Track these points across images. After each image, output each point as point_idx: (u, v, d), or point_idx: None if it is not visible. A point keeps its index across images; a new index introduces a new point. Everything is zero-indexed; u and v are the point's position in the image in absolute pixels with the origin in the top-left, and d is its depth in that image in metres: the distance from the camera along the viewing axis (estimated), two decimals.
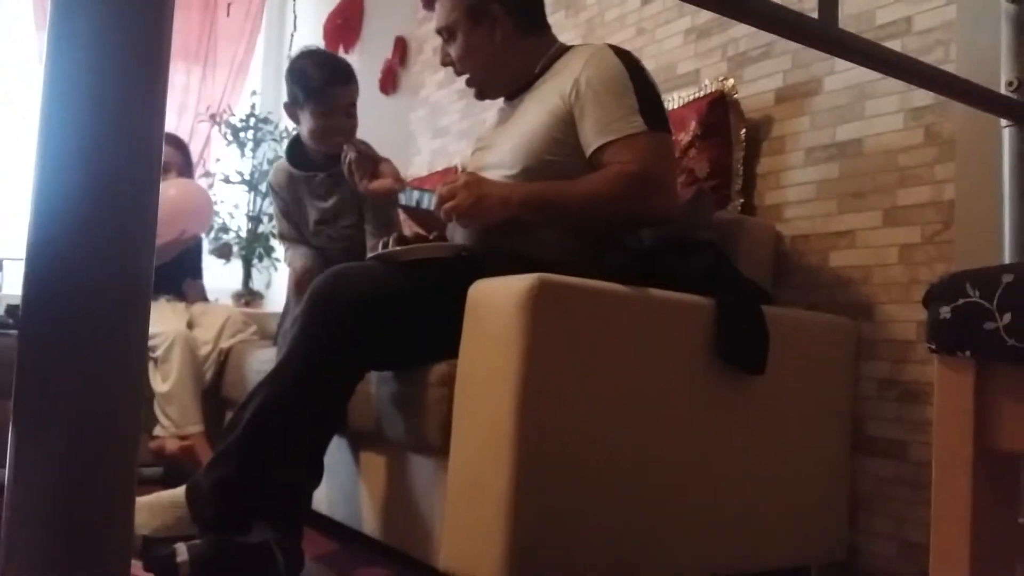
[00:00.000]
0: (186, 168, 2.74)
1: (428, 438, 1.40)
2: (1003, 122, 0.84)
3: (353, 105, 2.08)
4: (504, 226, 1.50)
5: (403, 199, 1.69)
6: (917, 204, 1.60)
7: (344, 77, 2.04)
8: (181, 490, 1.44)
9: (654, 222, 1.56)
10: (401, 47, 3.54)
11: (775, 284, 1.78)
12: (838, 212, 1.73)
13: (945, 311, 0.69)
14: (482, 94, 1.75)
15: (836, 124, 1.75)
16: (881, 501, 1.62)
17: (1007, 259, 0.89)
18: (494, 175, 1.58)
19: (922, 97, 1.60)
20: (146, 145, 0.41)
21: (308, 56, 2.06)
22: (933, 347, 0.70)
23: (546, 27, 1.71)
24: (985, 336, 0.65)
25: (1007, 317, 0.64)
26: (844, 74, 1.74)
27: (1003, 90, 0.83)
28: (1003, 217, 0.87)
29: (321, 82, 1.99)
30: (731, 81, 1.87)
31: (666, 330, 1.39)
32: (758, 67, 1.93)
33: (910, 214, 1.61)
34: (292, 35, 3.90)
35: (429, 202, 1.58)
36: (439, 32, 1.71)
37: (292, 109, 2.08)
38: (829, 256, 1.74)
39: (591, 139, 1.51)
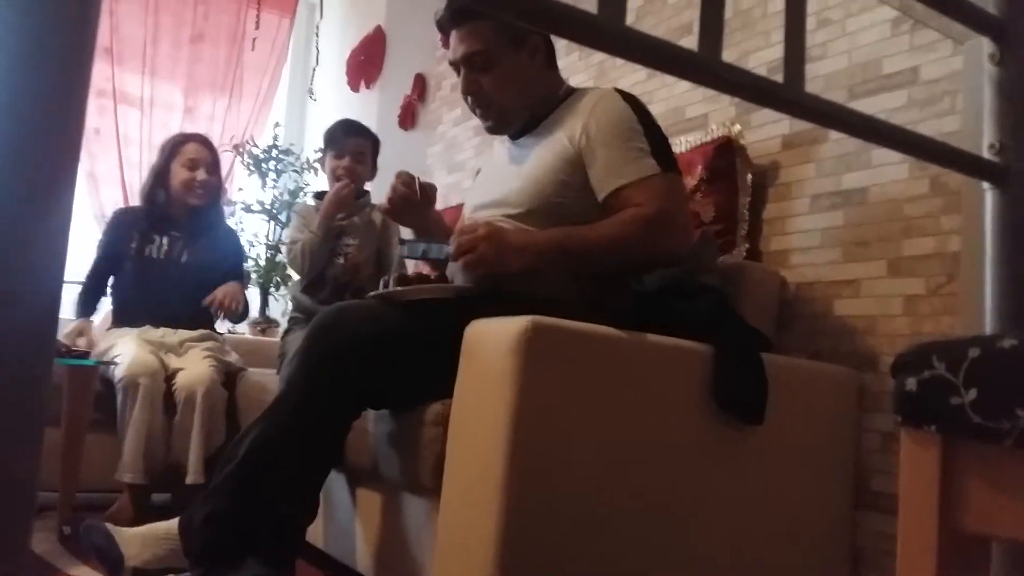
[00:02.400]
0: (214, 168, 2.73)
1: (421, 478, 1.40)
2: (985, 185, 0.84)
3: (362, 153, 2.53)
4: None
5: (406, 251, 1.66)
6: (922, 255, 1.59)
7: (355, 129, 2.55)
8: (174, 522, 1.45)
9: (668, 262, 1.55)
10: (420, 84, 3.59)
11: (778, 331, 1.77)
12: (843, 260, 1.72)
13: (911, 383, 0.68)
14: (501, 127, 1.72)
15: (842, 172, 1.75)
16: (883, 558, 1.59)
17: (987, 326, 0.88)
18: (497, 213, 1.59)
19: None
20: (61, 147, 0.41)
21: (336, 122, 2.60)
22: (899, 419, 0.69)
23: (557, 66, 1.74)
24: (951, 411, 0.64)
25: (972, 393, 0.63)
26: None
27: (985, 153, 0.83)
28: (985, 275, 0.86)
29: (336, 131, 2.53)
30: (738, 127, 1.88)
31: (663, 376, 1.39)
32: (765, 113, 1.94)
33: (915, 265, 1.60)
34: (314, 69, 3.96)
35: (438, 253, 1.57)
36: (467, 59, 1.64)
37: (322, 161, 2.61)
38: (833, 304, 1.73)
39: (604, 182, 1.52)
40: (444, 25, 1.69)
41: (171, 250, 2.64)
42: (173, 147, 2.69)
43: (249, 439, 1.39)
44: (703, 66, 0.53)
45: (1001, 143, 0.83)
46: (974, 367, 0.63)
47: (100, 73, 3.75)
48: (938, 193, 1.58)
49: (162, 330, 2.51)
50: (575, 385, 1.29)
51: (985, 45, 0.86)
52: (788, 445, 1.54)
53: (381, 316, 1.44)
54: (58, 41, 0.40)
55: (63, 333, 2.45)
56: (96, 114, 3.75)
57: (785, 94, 0.58)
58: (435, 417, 1.40)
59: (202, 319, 2.60)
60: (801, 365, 1.65)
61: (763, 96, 0.58)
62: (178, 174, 2.64)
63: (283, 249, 3.79)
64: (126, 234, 2.64)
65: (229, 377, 2.45)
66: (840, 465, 1.63)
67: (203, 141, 2.77)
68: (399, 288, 1.49)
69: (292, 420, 1.38)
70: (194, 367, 2.34)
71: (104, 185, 3.71)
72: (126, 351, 2.30)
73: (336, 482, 1.70)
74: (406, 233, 1.88)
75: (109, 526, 1.45)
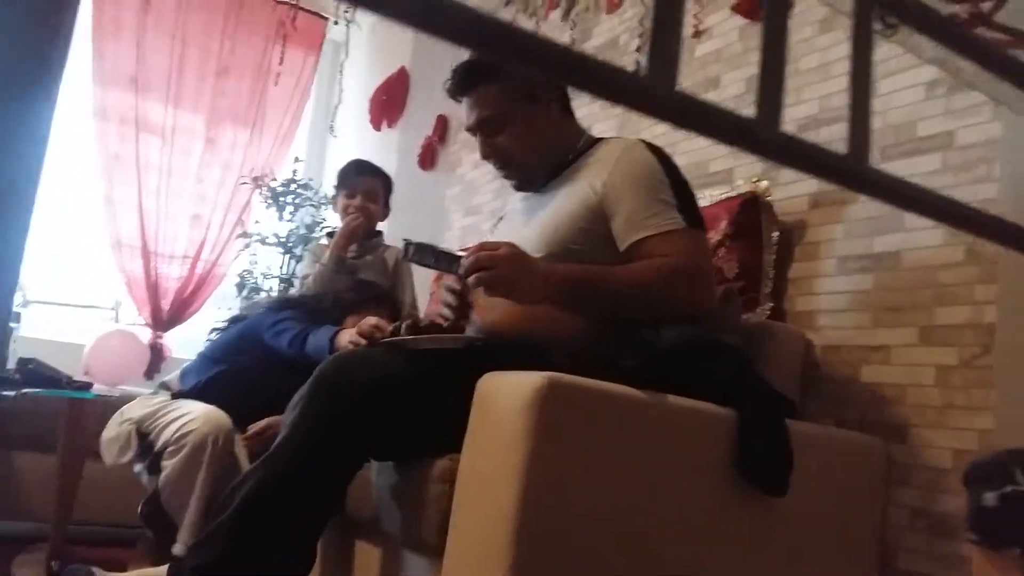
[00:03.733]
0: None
1: (424, 536, 1.33)
2: None
3: (374, 192, 2.51)
4: (525, 312, 1.45)
5: (412, 255, 1.46)
6: (955, 324, 1.53)
7: (367, 169, 2.55)
8: (163, 570, 1.38)
9: (692, 317, 1.49)
10: (442, 125, 3.58)
11: (802, 395, 1.70)
12: (872, 326, 1.66)
13: (990, 498, 0.60)
14: (526, 183, 1.70)
15: (873, 235, 1.69)
16: None
17: None
18: None
19: None
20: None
21: (349, 161, 2.59)
22: (974, 538, 0.62)
23: (574, 115, 1.71)
24: None
25: None
26: None
27: None
28: None
29: (348, 170, 2.54)
30: (765, 182, 1.84)
31: (683, 440, 1.32)
32: (793, 170, 1.89)
33: (948, 334, 1.53)
34: (337, 107, 3.98)
35: (449, 266, 1.44)
36: (481, 124, 1.63)
37: (334, 200, 2.59)
38: (861, 371, 1.66)
39: (627, 232, 1.47)
40: (454, 94, 1.68)
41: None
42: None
43: (246, 487, 1.33)
44: (760, 137, 0.47)
45: None
46: None
47: (123, 101, 3.78)
48: (974, 261, 1.52)
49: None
50: (590, 447, 1.22)
51: None
52: (810, 518, 1.46)
53: (389, 364, 1.38)
54: (22, 55, 0.36)
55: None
56: (118, 140, 3.76)
57: (848, 167, 0.52)
58: (442, 473, 1.33)
59: None
60: (826, 433, 1.58)
61: (823, 170, 0.52)
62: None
63: (296, 284, 3.76)
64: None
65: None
66: (865, 541, 1.54)
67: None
68: (408, 336, 1.43)
69: (290, 470, 1.32)
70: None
71: (121, 210, 3.70)
72: (194, 408, 1.94)
73: (334, 533, 1.63)
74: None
75: (95, 570, 1.39)
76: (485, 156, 1.68)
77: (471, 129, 1.67)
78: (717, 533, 1.34)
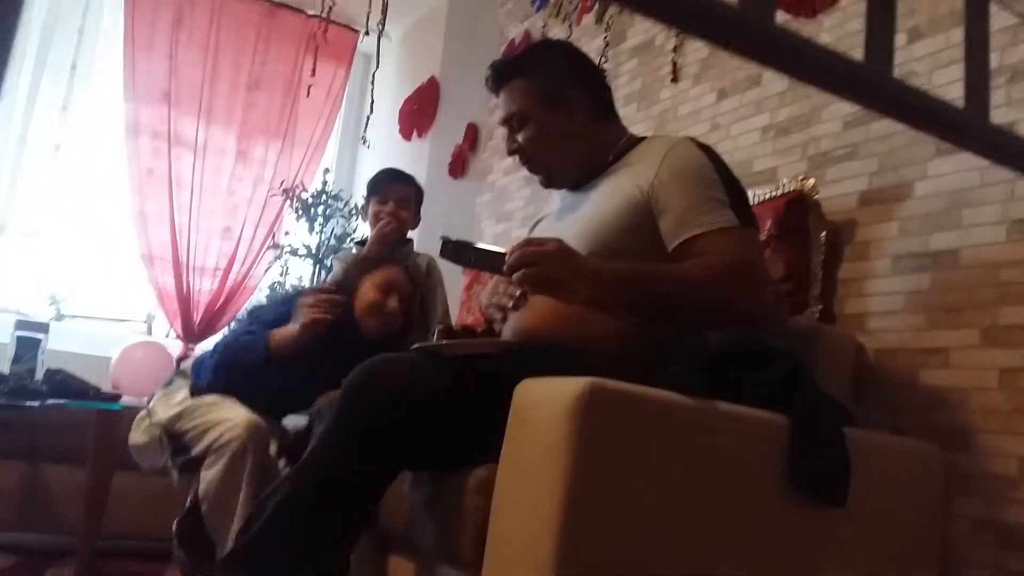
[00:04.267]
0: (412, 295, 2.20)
1: (460, 551, 1.27)
2: None
3: (406, 199, 2.48)
4: (564, 315, 1.39)
5: (450, 253, 1.39)
6: (1021, 324, 1.44)
7: (399, 176, 2.52)
8: None
9: (745, 321, 1.41)
10: (472, 133, 3.55)
11: (855, 401, 1.62)
12: (928, 327, 1.58)
13: None
14: (550, 182, 1.67)
15: (929, 232, 1.61)
16: None
17: None
18: None
19: None
20: None
21: (380, 169, 2.57)
22: None
23: (616, 116, 1.65)
24: None
25: None
26: (938, 179, 1.61)
27: None
28: None
29: (380, 178, 2.52)
30: (811, 181, 1.76)
31: (733, 449, 1.25)
32: (841, 168, 1.82)
33: (1014, 335, 1.45)
34: (368, 117, 3.96)
35: (490, 264, 1.36)
36: (507, 120, 1.63)
37: (365, 208, 2.55)
38: (918, 375, 1.58)
39: (677, 230, 1.40)
40: (490, 88, 1.67)
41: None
42: (368, 265, 2.16)
43: (274, 501, 1.28)
44: (869, 82, 0.41)
45: None
46: None
47: (157, 115, 3.79)
48: None
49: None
50: (635, 456, 1.16)
51: None
52: (867, 529, 1.38)
53: (422, 371, 1.33)
54: None
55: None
56: (151, 155, 3.77)
57: (969, 122, 0.45)
58: (478, 484, 1.27)
59: None
60: (883, 440, 1.49)
61: (938, 125, 0.46)
62: (369, 294, 2.05)
63: None
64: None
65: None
66: (926, 553, 1.45)
67: (402, 266, 2.19)
68: (443, 342, 1.38)
69: (322, 482, 1.27)
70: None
71: (154, 225, 3.71)
72: (231, 415, 1.89)
73: (367, 546, 1.57)
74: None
75: None
76: (509, 152, 1.65)
77: (500, 123, 1.66)
78: (770, 546, 1.27)
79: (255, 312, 2.22)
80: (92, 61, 3.90)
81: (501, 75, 1.63)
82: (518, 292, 1.42)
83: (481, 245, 1.40)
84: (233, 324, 2.27)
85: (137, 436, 1.97)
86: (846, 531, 1.34)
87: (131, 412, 2.05)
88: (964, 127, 0.45)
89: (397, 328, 2.06)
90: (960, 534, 1.47)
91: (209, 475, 1.79)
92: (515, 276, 1.27)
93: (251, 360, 1.92)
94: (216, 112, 3.95)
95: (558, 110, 1.57)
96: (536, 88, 1.58)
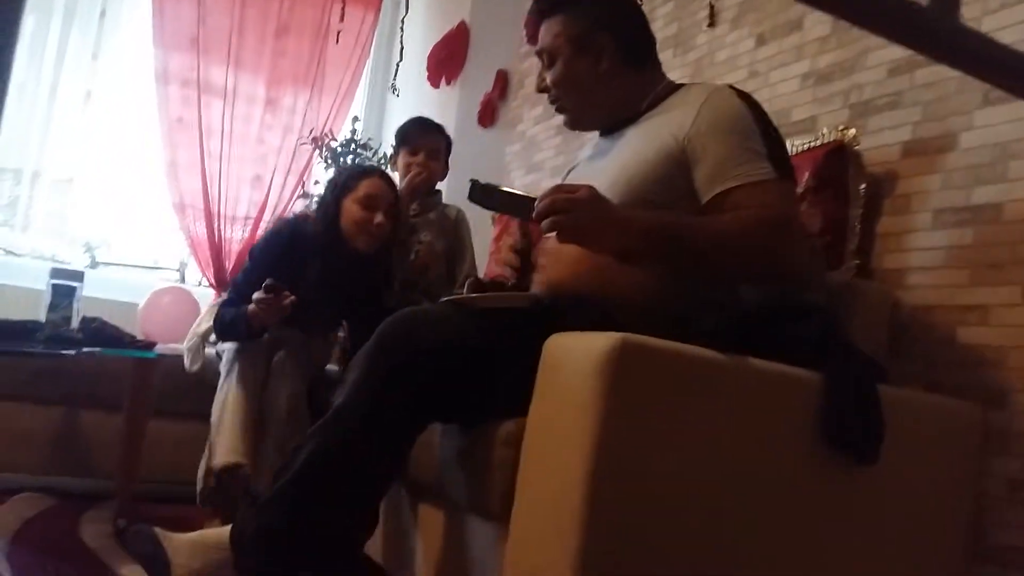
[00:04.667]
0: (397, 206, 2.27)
1: (489, 502, 1.28)
2: None
3: (437, 150, 2.46)
4: (593, 269, 1.37)
5: (479, 196, 1.36)
6: None
7: (429, 127, 2.49)
8: (226, 531, 1.37)
9: (783, 278, 1.37)
10: (502, 80, 3.49)
11: (891, 358, 1.59)
12: (970, 284, 1.53)
13: None
14: (575, 124, 1.63)
15: (972, 185, 1.56)
16: None
17: None
18: None
19: None
20: None
21: (409, 119, 2.54)
22: None
23: (655, 63, 1.60)
24: None
25: None
26: (984, 130, 1.55)
27: None
28: None
29: (409, 128, 2.49)
30: (852, 131, 1.70)
31: (765, 406, 1.23)
32: (884, 117, 1.75)
33: None
34: (398, 64, 3.91)
35: (518, 210, 1.33)
36: (539, 54, 1.61)
37: (394, 159, 2.54)
38: (956, 332, 1.54)
39: (712, 182, 1.36)
40: (534, 16, 1.63)
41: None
42: (347, 182, 2.19)
43: (307, 449, 1.29)
44: (929, 27, 0.38)
45: None
46: None
47: (186, 63, 3.77)
48: None
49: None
50: (666, 412, 1.15)
51: None
52: (899, 487, 1.36)
53: (452, 324, 1.32)
54: None
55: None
56: (180, 103, 3.76)
57: (930, 23, 0.41)
58: (507, 437, 1.27)
59: None
60: (917, 398, 1.47)
61: (897, 27, 0.42)
62: (353, 212, 2.13)
63: None
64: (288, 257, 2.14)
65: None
66: (959, 513, 1.44)
67: (387, 179, 2.22)
68: (473, 295, 1.37)
69: (352, 432, 1.28)
70: (294, 383, 1.99)
71: (184, 174, 3.72)
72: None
73: (398, 496, 1.59)
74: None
75: (158, 531, 1.38)
76: (538, 87, 1.63)
77: (537, 53, 1.63)
78: (802, 503, 1.26)
79: (237, 281, 2.21)
80: (121, 8, 3.88)
81: (541, 6, 1.60)
82: (517, 263, 1.41)
83: (511, 189, 1.37)
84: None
85: (187, 341, 2.34)
86: (878, 488, 1.33)
87: (166, 359, 2.08)
88: (926, 31, 0.41)
89: (387, 238, 2.17)
90: (996, 494, 1.45)
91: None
92: (543, 224, 1.24)
93: (238, 335, 2.03)
94: (245, 59, 3.92)
95: (586, 53, 1.53)
96: (569, 27, 1.54)
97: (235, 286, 2.19)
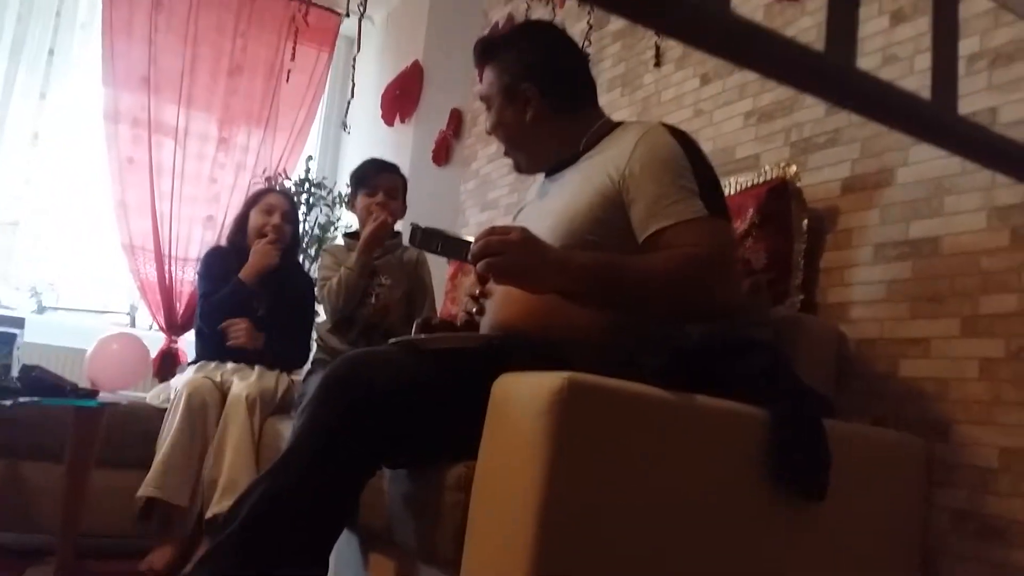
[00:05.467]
0: (293, 215, 2.76)
1: (439, 548, 1.26)
2: None
3: (395, 189, 2.47)
4: (541, 308, 1.38)
5: (419, 240, 1.40)
6: (1002, 313, 1.43)
7: (385, 167, 2.50)
8: None
9: (715, 314, 1.39)
10: (456, 119, 3.52)
11: (836, 392, 1.61)
12: (910, 316, 1.57)
13: None
14: (518, 167, 1.68)
15: (910, 219, 1.60)
16: None
17: None
18: None
19: (1009, 195, 1.45)
20: None
21: (364, 160, 2.57)
22: None
23: (589, 104, 1.61)
24: None
25: None
26: (919, 166, 1.60)
27: None
28: None
29: (366, 168, 2.49)
30: (794, 168, 1.74)
31: (712, 443, 1.24)
32: (824, 154, 1.80)
33: (994, 324, 1.44)
34: (349, 102, 3.91)
35: (456, 252, 1.38)
36: (481, 99, 1.66)
37: (352, 201, 2.53)
38: (899, 364, 1.57)
39: (646, 222, 1.38)
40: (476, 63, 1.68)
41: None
42: (255, 197, 2.75)
43: (255, 495, 1.26)
44: (831, 73, 0.39)
45: None
46: None
47: (136, 102, 3.73)
48: (1021, 246, 1.43)
49: (234, 365, 2.47)
50: (615, 452, 1.15)
51: None
52: (848, 521, 1.37)
53: (401, 366, 1.31)
54: None
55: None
56: (131, 143, 3.71)
57: (933, 114, 0.43)
58: (457, 481, 1.26)
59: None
60: (863, 432, 1.49)
61: (903, 118, 0.44)
62: (254, 219, 2.66)
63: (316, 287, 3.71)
64: (224, 273, 2.59)
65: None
66: (906, 545, 1.46)
67: (283, 193, 2.83)
68: (422, 336, 1.36)
69: (299, 479, 1.25)
70: (253, 381, 2.32)
71: (134, 215, 3.66)
72: (184, 377, 2.36)
73: (349, 543, 1.56)
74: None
75: None
76: (487, 130, 1.67)
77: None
78: (751, 540, 1.26)
79: (203, 285, 2.65)
80: (70, 47, 3.83)
81: (478, 54, 1.64)
82: (477, 291, 1.42)
83: (452, 232, 1.38)
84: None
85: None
86: (826, 523, 1.34)
87: (109, 408, 2.03)
88: (930, 120, 0.43)
89: (287, 244, 2.65)
90: (942, 526, 1.47)
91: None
92: (479, 265, 1.25)
93: (240, 298, 2.48)
94: (197, 98, 3.89)
95: (512, 102, 1.57)
96: (500, 76, 1.59)
97: (204, 284, 2.62)
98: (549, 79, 1.57)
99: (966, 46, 1.58)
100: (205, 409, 2.20)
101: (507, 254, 1.25)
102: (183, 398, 2.19)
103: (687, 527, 1.20)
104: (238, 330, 2.46)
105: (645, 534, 1.16)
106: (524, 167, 1.67)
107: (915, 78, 1.67)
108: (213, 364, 2.47)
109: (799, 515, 1.30)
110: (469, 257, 1.27)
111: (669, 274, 1.32)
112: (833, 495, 1.29)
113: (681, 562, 1.19)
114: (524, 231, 1.28)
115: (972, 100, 1.55)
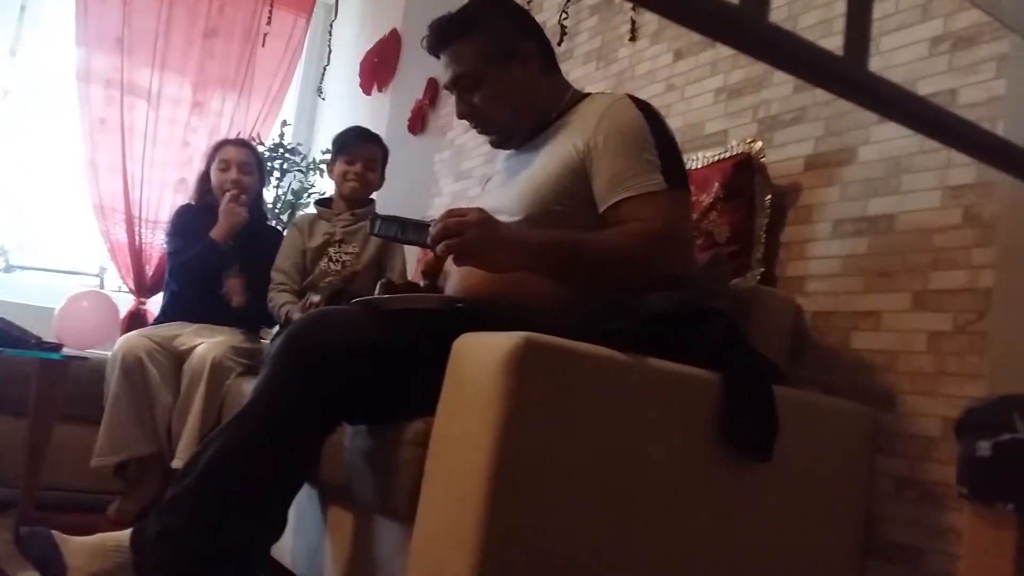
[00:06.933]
0: (248, 168, 2.70)
1: (396, 502, 1.29)
2: None
3: (374, 160, 2.48)
4: (506, 276, 1.40)
5: (378, 228, 1.47)
6: (950, 289, 1.48)
7: (368, 136, 2.50)
8: (126, 534, 1.34)
9: (671, 283, 1.44)
10: (433, 88, 3.51)
11: (791, 362, 1.66)
12: (864, 291, 1.61)
13: (984, 447, 0.54)
14: (506, 141, 1.66)
15: (868, 197, 1.64)
16: None
17: None
18: None
19: (963, 175, 1.49)
20: None
21: (348, 127, 2.57)
22: (965, 491, 0.56)
23: (559, 70, 1.65)
24: None
25: None
26: (880, 145, 1.63)
27: None
28: None
29: (348, 136, 2.49)
30: (759, 144, 1.77)
31: (665, 405, 1.27)
32: (789, 131, 1.83)
33: (942, 299, 1.48)
34: (325, 69, 3.88)
35: (416, 235, 1.42)
36: (457, 82, 1.59)
37: (330, 166, 2.54)
38: (851, 337, 1.61)
39: (607, 194, 1.42)
40: (432, 49, 1.61)
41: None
42: (212, 152, 2.74)
43: (211, 451, 1.28)
44: (743, 26, 0.42)
45: None
46: None
47: (109, 64, 3.68)
48: (971, 224, 1.47)
49: (199, 326, 2.44)
50: (569, 411, 1.18)
51: None
52: (796, 485, 1.42)
53: (362, 325, 1.33)
54: None
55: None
56: (103, 104, 3.67)
57: (844, 71, 0.46)
58: (415, 437, 1.29)
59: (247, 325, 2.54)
60: (814, 400, 1.53)
61: (814, 69, 0.46)
62: (215, 178, 2.67)
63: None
64: (194, 232, 2.57)
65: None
66: (850, 510, 1.51)
67: (240, 143, 2.77)
68: (384, 296, 1.38)
69: (258, 433, 1.27)
70: (212, 343, 2.27)
71: (105, 175, 3.62)
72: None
73: (309, 497, 1.59)
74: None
75: (55, 534, 1.34)
76: (461, 115, 1.63)
77: (448, 87, 1.61)
78: (700, 499, 1.30)
79: (172, 242, 2.66)
80: (42, 4, 3.77)
81: (446, 34, 1.58)
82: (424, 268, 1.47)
83: (409, 218, 1.42)
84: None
85: None
86: (775, 486, 1.38)
87: (76, 363, 2.03)
88: (841, 75, 0.45)
89: (253, 195, 2.66)
90: (884, 492, 1.52)
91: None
92: (438, 248, 1.29)
93: (212, 259, 2.47)
94: (171, 61, 3.84)
95: (512, 64, 1.56)
96: (489, 46, 1.55)
97: (174, 242, 2.62)
98: (539, 36, 1.60)
99: (930, 28, 1.61)
100: (140, 364, 2.19)
101: (464, 235, 1.28)
102: (118, 359, 2.19)
103: (638, 485, 1.23)
104: (235, 288, 2.47)
105: (597, 492, 1.20)
106: (513, 138, 1.64)
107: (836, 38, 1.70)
108: (176, 324, 2.45)
109: (748, 477, 1.34)
110: (428, 240, 1.30)
111: (624, 250, 1.36)
112: (783, 459, 1.33)
113: (632, 519, 1.23)
114: (481, 212, 1.31)
115: (933, 81, 1.59)
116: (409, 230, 1.42)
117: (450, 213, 1.31)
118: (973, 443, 0.54)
